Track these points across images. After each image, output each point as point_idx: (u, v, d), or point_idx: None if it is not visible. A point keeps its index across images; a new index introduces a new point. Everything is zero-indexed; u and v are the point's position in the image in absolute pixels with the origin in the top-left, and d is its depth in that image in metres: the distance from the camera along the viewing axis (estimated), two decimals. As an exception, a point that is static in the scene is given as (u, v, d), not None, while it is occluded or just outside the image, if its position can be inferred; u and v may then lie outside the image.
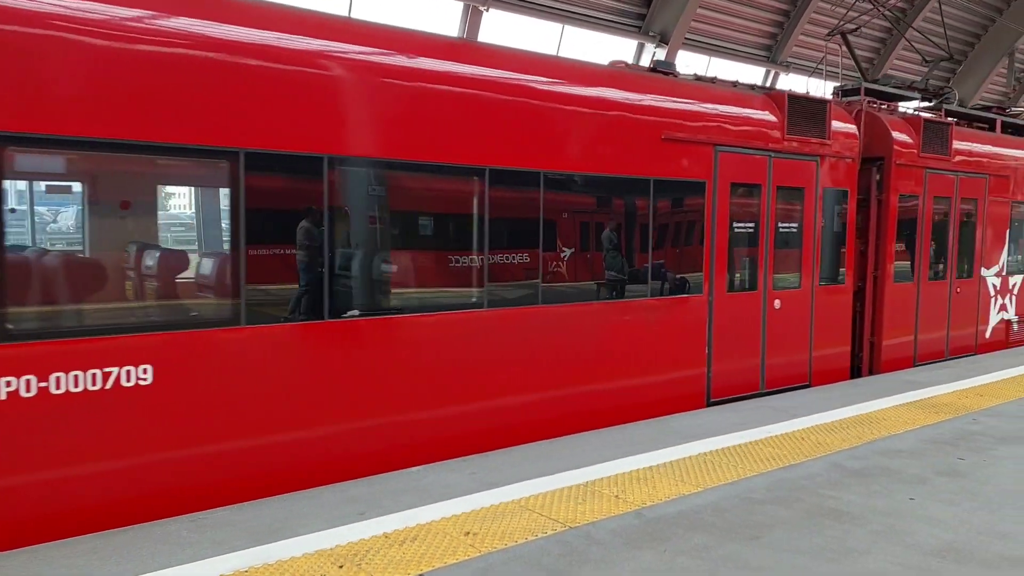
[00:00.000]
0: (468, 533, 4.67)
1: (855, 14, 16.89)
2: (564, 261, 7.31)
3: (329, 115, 5.82)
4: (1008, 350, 12.27)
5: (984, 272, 12.31)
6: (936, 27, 25.74)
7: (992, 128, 13.41)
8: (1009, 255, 12.90)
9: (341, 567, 4.21)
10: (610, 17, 18.84)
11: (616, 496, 5.32)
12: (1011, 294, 13.09)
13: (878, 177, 10.46)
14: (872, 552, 4.53)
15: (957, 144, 11.54)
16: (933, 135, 11.04)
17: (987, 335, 12.60)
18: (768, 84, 21.88)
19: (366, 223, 6.30)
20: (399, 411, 6.26)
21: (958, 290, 11.79)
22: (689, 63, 20.22)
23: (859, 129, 10.18)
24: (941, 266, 11.48)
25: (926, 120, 10.98)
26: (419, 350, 6.39)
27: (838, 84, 11.86)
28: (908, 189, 10.71)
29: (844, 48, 13.41)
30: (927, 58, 16.39)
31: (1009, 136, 13.39)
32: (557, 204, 7.19)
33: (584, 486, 5.50)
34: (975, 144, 12.07)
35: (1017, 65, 28.69)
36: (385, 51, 6.21)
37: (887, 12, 13.95)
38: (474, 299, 6.71)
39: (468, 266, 6.69)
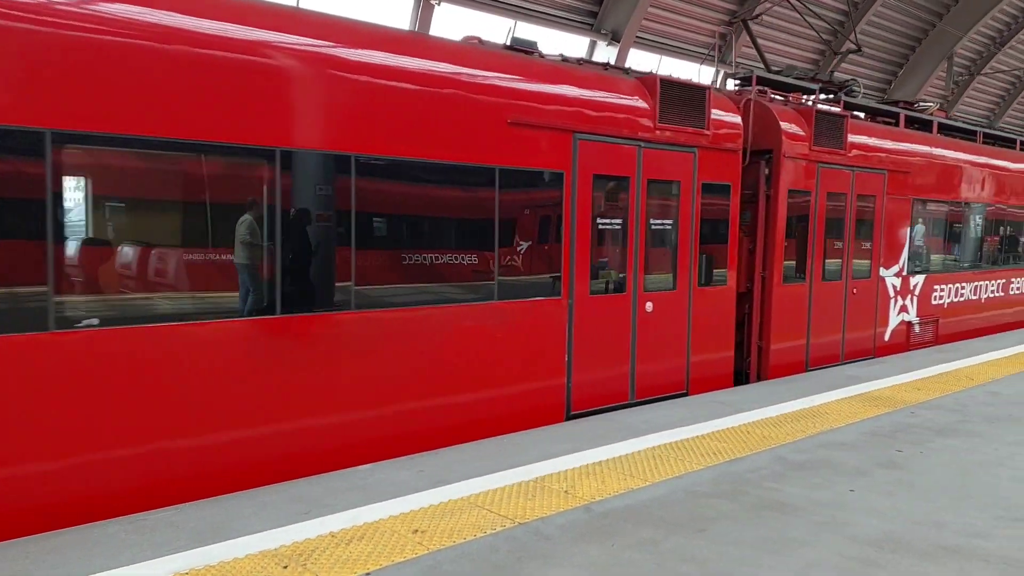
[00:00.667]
0: (416, 531, 4.63)
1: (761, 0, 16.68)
2: (385, 260, 6.37)
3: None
4: (908, 353, 11.72)
5: (883, 272, 11.74)
6: (879, 30, 26.48)
7: (896, 123, 12.99)
8: (910, 255, 12.35)
9: (286, 567, 4.14)
10: (562, 14, 18.91)
11: (565, 491, 5.34)
12: (912, 295, 12.52)
13: (767, 171, 9.89)
14: (813, 543, 4.64)
15: (853, 138, 10.98)
16: (826, 128, 10.44)
17: (886, 338, 12.00)
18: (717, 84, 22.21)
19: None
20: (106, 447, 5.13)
21: (854, 291, 11.19)
22: (641, 62, 20.40)
23: (748, 119, 9.76)
24: (836, 266, 10.90)
25: (819, 111, 10.34)
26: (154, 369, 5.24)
27: (729, 72, 11.57)
28: (799, 184, 10.11)
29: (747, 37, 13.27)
30: (836, 51, 16.32)
31: (913, 131, 12.90)
32: (374, 194, 6.25)
33: (534, 482, 5.51)
34: (873, 138, 11.48)
35: (956, 69, 29.67)
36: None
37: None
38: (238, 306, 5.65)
39: (221, 265, 5.55)
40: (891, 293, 12.01)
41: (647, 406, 7.99)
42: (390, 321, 6.36)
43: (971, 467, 6.16)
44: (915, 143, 12.39)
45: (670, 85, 8.45)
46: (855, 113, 12.50)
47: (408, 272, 6.50)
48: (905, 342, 12.43)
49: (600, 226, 7.96)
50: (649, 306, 8.42)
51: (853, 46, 16.91)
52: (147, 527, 4.64)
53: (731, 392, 8.71)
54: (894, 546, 4.62)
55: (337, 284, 6.11)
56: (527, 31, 18.54)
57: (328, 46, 6.03)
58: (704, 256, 9.04)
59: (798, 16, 23.38)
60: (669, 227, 8.64)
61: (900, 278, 12.18)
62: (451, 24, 17.62)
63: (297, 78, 5.80)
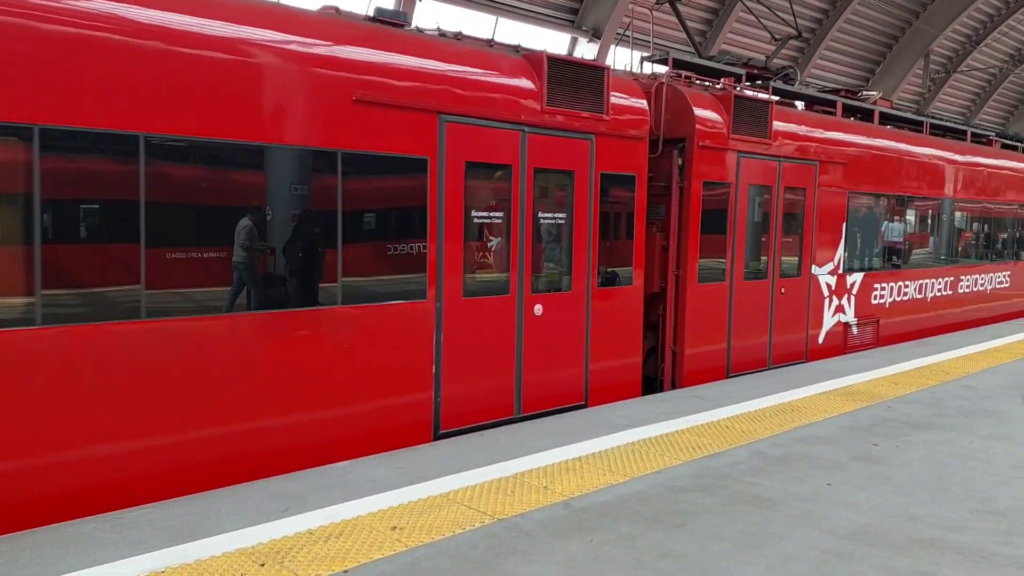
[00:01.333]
0: (395, 528, 4.61)
1: None
2: (190, 258, 5.39)
3: None
4: (846, 356, 10.98)
5: (816, 270, 10.94)
6: (857, 28, 26.71)
7: (835, 112, 12.19)
8: (847, 251, 11.56)
9: (263, 565, 4.10)
10: (543, 10, 18.88)
11: (544, 487, 5.34)
12: (850, 294, 11.70)
13: (680, 161, 9.07)
14: (791, 537, 4.67)
15: (780, 126, 10.18)
16: (748, 115, 9.64)
17: (821, 340, 11.21)
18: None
19: None
20: None
21: (783, 290, 10.40)
22: (621, 60, 20.43)
23: (659, 105, 9.05)
24: (761, 264, 10.11)
25: (738, 97, 9.50)
26: None
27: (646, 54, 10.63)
28: (716, 175, 9.33)
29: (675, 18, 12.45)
30: (776, 36, 15.60)
31: (850, 121, 12.06)
32: (174, 181, 5.32)
33: (513, 478, 5.51)
34: (804, 127, 10.66)
35: (932, 67, 30.00)
36: None
37: None
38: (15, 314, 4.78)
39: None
40: (825, 292, 11.22)
41: (597, 407, 7.76)
42: (190, 332, 5.41)
43: (946, 460, 6.24)
44: (852, 133, 11.62)
45: (561, 64, 7.62)
46: (790, 101, 11.82)
47: (212, 273, 5.56)
48: (842, 344, 11.66)
49: (476, 220, 7.09)
50: (538, 309, 7.57)
51: (792, 31, 16.44)
52: (123, 525, 4.58)
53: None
54: (870, 539, 4.67)
55: (173, 292, 5.32)
56: (509, 28, 18.52)
57: (108, 6, 5.10)
58: (606, 254, 8.28)
59: (766, 11, 23.53)
60: (562, 222, 7.80)
61: (835, 276, 11.38)
62: (434, 21, 17.54)
63: (68, 41, 4.88)
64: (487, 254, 7.28)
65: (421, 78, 6.61)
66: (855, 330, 11.86)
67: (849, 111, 12.68)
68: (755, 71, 11.32)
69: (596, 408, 7.67)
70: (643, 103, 8.49)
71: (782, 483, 5.59)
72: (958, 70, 31.74)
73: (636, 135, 8.37)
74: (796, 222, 10.66)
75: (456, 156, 6.87)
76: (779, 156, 10.18)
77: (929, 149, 13.49)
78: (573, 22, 19.58)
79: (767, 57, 12.83)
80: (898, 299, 12.94)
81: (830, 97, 12.24)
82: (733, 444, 6.49)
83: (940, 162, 13.75)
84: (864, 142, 11.83)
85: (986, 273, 15.64)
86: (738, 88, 10.60)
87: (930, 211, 13.72)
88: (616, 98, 8.17)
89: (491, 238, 7.29)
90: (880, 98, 13.54)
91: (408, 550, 4.33)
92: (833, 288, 11.39)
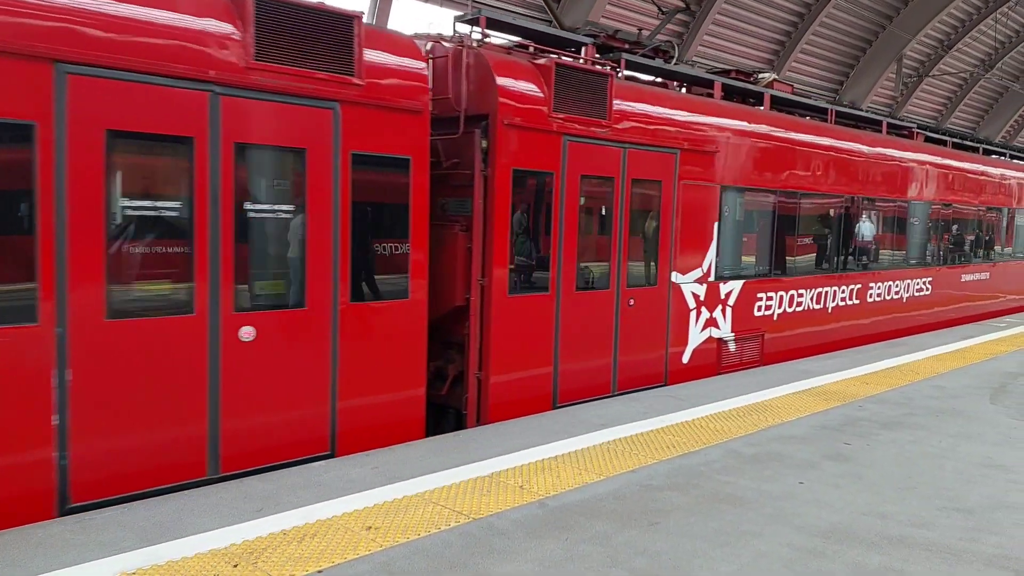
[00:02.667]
0: (370, 528, 4.60)
1: None
2: None
3: None
4: (722, 376, 9.47)
5: (679, 278, 9.25)
6: (831, 31, 27.03)
7: (715, 95, 10.62)
8: (721, 256, 9.87)
9: (236, 566, 4.07)
10: (520, 10, 18.89)
11: (520, 486, 5.35)
12: (725, 305, 9.99)
13: (484, 144, 7.33)
14: (764, 535, 4.72)
15: (625, 105, 8.46)
16: (577, 89, 7.94)
17: (685, 359, 9.51)
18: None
19: None
20: None
21: (631, 302, 8.69)
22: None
23: (457, 73, 7.49)
24: (601, 271, 8.47)
25: (561, 67, 7.79)
26: None
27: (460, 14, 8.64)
28: (532, 162, 7.64)
29: None
30: (663, 8, 14.25)
31: (730, 104, 10.39)
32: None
33: (489, 477, 5.51)
34: (659, 107, 8.92)
35: (905, 71, 30.46)
36: None
37: None
38: None
39: None
40: (691, 304, 9.48)
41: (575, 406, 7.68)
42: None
43: (916, 459, 6.34)
44: (728, 118, 9.88)
45: (280, 7, 5.84)
46: (664, 81, 10.27)
47: None
48: (715, 363, 9.94)
49: (130, 212, 5.28)
50: (247, 333, 5.75)
51: (680, 3, 15.88)
52: (93, 526, 4.52)
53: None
54: (841, 537, 4.73)
55: None
56: (487, 25, 18.49)
57: None
58: (367, 258, 6.51)
59: (750, 15, 23.75)
60: (287, 216, 6.01)
61: (705, 285, 9.64)
62: (411, 17, 17.49)
63: None
64: (154, 258, 5.39)
65: (23, 9, 4.75)
66: (732, 346, 10.15)
67: (737, 95, 11.09)
68: (615, 43, 9.53)
69: (571, 407, 7.67)
70: (420, 66, 6.77)
71: (755, 482, 5.65)
72: (930, 74, 32.25)
73: (410, 106, 6.62)
74: (649, 221, 8.96)
75: (87, 121, 5.00)
76: (624, 141, 8.40)
77: (833, 140, 11.76)
78: (550, 23, 19.63)
79: (639, 30, 10.95)
80: (789, 310, 11.13)
81: (709, 77, 10.67)
82: (707, 443, 6.55)
83: (847, 155, 12.00)
84: (744, 128, 10.07)
85: (902, 280, 13.83)
86: (613, 68, 8.87)
87: (832, 210, 12.04)
88: (376, 57, 6.42)
89: (156, 236, 5.36)
90: (777, 81, 11.90)
91: (383, 550, 4.31)
92: (702, 299, 9.64)
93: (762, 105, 11.14)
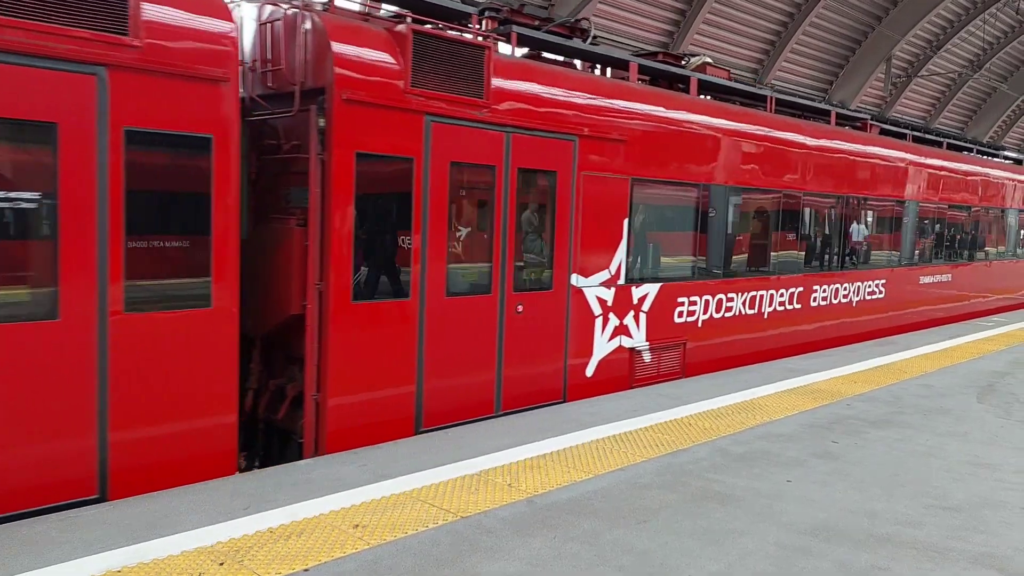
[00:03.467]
0: (357, 526, 4.58)
1: None
2: None
3: None
4: (638, 390, 8.43)
5: (581, 281, 8.21)
6: (820, 31, 27.14)
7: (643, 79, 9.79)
8: (635, 256, 8.92)
9: (222, 564, 4.04)
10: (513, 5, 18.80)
11: (509, 484, 5.34)
12: (638, 311, 8.94)
13: (322, 123, 6.33)
14: (751, 533, 4.73)
15: (507, 84, 7.36)
16: (443, 62, 6.87)
17: (590, 372, 8.44)
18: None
19: None
20: None
21: (520, 308, 7.62)
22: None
23: (292, 39, 6.51)
24: (480, 273, 7.42)
25: (420, 34, 6.72)
26: None
27: None
28: (383, 145, 6.58)
29: None
30: None
31: (645, 87, 9.37)
32: None
33: (477, 475, 5.50)
34: (554, 88, 7.81)
35: (894, 71, 30.60)
36: None
37: None
38: None
39: None
40: (596, 310, 8.44)
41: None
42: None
43: (904, 457, 6.37)
44: (641, 102, 8.81)
45: None
46: (569, 61, 9.17)
47: None
48: (626, 375, 8.90)
49: None
50: None
51: None
52: (78, 525, 4.49)
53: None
54: (828, 535, 4.74)
55: None
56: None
57: None
58: (151, 259, 5.45)
59: (740, 15, 23.80)
60: (31, 206, 4.98)
61: (613, 289, 8.60)
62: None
63: None
64: None
65: None
66: (647, 357, 9.13)
67: (660, 78, 10.07)
68: (521, 18, 8.55)
69: (565, 404, 7.67)
70: (226, 27, 5.67)
71: (744, 480, 5.66)
72: (919, 75, 32.42)
73: (211, 74, 5.56)
74: (541, 217, 7.91)
75: None
76: (507, 125, 7.35)
77: (770, 129, 10.72)
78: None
79: (550, 4, 9.73)
80: (717, 316, 10.10)
81: (621, 57, 9.54)
82: (696, 441, 6.56)
83: (786, 146, 10.95)
84: (661, 115, 9.00)
85: (851, 282, 12.80)
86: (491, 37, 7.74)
87: (770, 207, 10.95)
88: (161, 14, 5.36)
89: None
90: (711, 66, 10.81)
91: (370, 548, 4.29)
92: (610, 304, 8.58)
93: (694, 91, 10.11)
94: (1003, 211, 17.96)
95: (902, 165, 13.83)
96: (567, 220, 8.07)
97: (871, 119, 14.07)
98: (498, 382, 7.57)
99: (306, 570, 4.02)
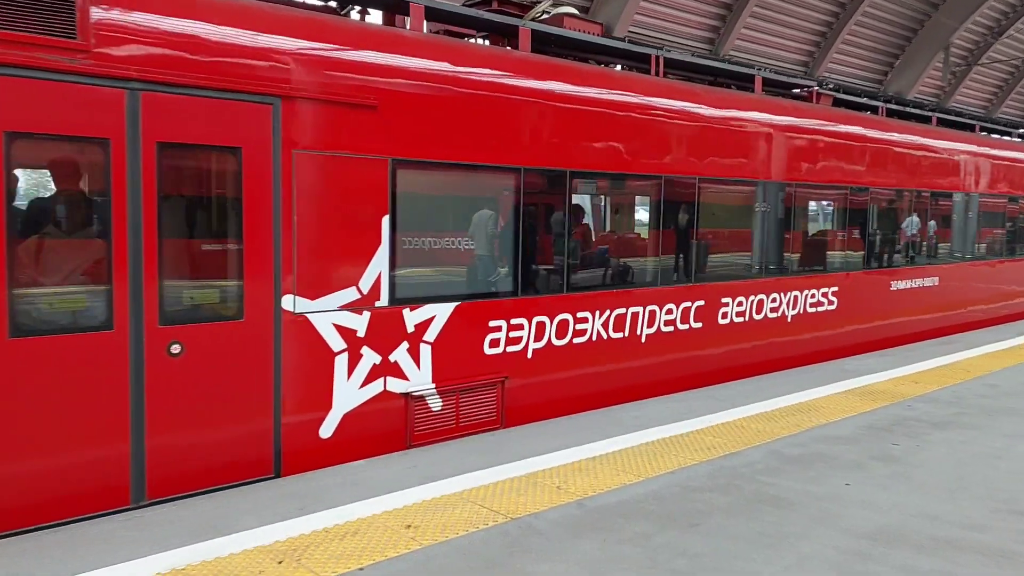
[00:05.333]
0: (409, 526, 4.63)
1: None
2: None
3: None
4: (414, 451, 6.27)
5: (304, 305, 5.92)
6: (874, 21, 26.47)
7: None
8: (409, 268, 6.60)
9: (280, 563, 4.14)
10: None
11: (558, 487, 5.34)
12: (417, 342, 6.60)
13: None
14: (808, 536, 4.64)
15: (127, 16, 5.15)
16: None
17: (327, 431, 6.14)
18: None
19: None
20: None
21: (175, 349, 5.37)
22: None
23: None
24: (86, 297, 5.12)
25: None
26: None
27: None
28: None
29: None
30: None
31: (412, 34, 6.76)
32: None
33: (526, 477, 5.51)
34: (222, 28, 5.52)
35: (953, 59, 29.64)
36: None
37: None
38: None
39: None
40: (336, 344, 6.15)
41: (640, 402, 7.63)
42: None
43: (968, 460, 6.17)
44: (413, 55, 6.48)
45: None
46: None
47: None
48: (398, 430, 6.55)
49: None
50: None
51: None
52: (144, 523, 4.65)
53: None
54: (889, 539, 4.62)
55: None
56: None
57: None
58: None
59: (789, 7, 23.36)
60: None
61: (367, 313, 6.29)
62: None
63: None
64: None
65: None
66: (436, 404, 6.76)
67: (485, 31, 7.91)
68: None
69: (608, 408, 7.63)
70: None
71: (799, 483, 5.56)
72: (979, 63, 31.34)
73: None
74: (212, 214, 5.74)
75: None
76: (130, 78, 5.12)
77: (648, 97, 8.27)
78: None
79: None
80: (560, 342, 7.62)
81: None
82: (749, 444, 6.46)
83: (671, 118, 8.45)
84: (449, 74, 6.67)
85: (783, 291, 10.08)
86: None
87: (650, 197, 8.54)
88: None
89: None
90: (572, 17, 8.42)
91: (422, 548, 4.34)
92: (362, 334, 6.29)
93: (526, 46, 7.68)
94: None
95: (870, 144, 11.28)
96: (268, 218, 5.72)
97: (817, 88, 11.24)
98: (136, 458, 5.26)
99: (361, 569, 4.09)
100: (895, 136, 11.80)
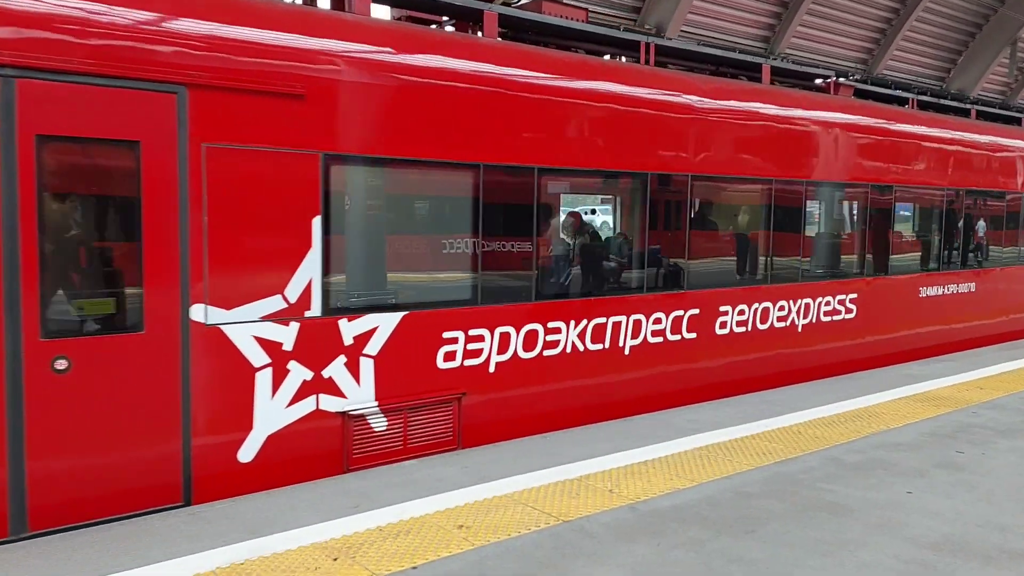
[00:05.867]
0: (461, 526, 4.66)
1: None
2: None
3: None
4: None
5: (219, 316, 5.36)
6: (936, 16, 25.70)
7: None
8: (347, 273, 6.06)
9: (335, 560, 4.21)
10: (603, 9, 18.74)
11: (610, 490, 5.31)
12: (356, 355, 5.98)
13: None
14: (868, 545, 4.52)
15: None
16: None
17: (248, 454, 5.56)
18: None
19: None
20: None
21: (63, 364, 4.85)
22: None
23: None
24: None
25: None
26: None
27: None
28: None
29: None
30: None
31: (350, 16, 6.20)
32: None
33: (577, 480, 5.49)
34: (113, 8, 4.95)
35: (1020, 55, 28.56)
36: None
37: None
38: None
39: None
40: (257, 358, 5.53)
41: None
42: None
43: (1037, 469, 5.93)
44: (347, 39, 5.90)
45: None
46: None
47: None
48: (334, 452, 5.95)
49: None
50: None
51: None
52: (204, 519, 4.77)
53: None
54: (954, 549, 4.47)
55: None
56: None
57: None
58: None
59: (846, 3, 22.83)
60: None
61: (296, 323, 5.68)
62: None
63: None
64: None
65: None
66: (379, 424, 6.14)
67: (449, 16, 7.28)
68: None
69: (661, 412, 7.54)
70: None
71: (859, 490, 5.41)
72: (1049, 58, 30.10)
73: None
74: (107, 215, 5.25)
75: None
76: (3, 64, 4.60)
77: (611, 84, 7.43)
78: (635, 21, 19.42)
79: None
80: (527, 355, 6.90)
81: None
82: (806, 450, 6.32)
83: (636, 107, 7.54)
84: (389, 59, 6.06)
85: (792, 298, 9.16)
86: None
87: (635, 195, 7.80)
88: None
89: None
90: (550, 2, 7.79)
91: (474, 549, 4.37)
92: (289, 348, 5.66)
93: (495, 32, 7.05)
94: None
95: (880, 137, 10.20)
96: (172, 220, 5.14)
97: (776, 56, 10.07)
98: (15, 486, 4.74)
99: (414, 567, 4.13)
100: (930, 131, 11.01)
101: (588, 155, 7.28)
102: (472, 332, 6.57)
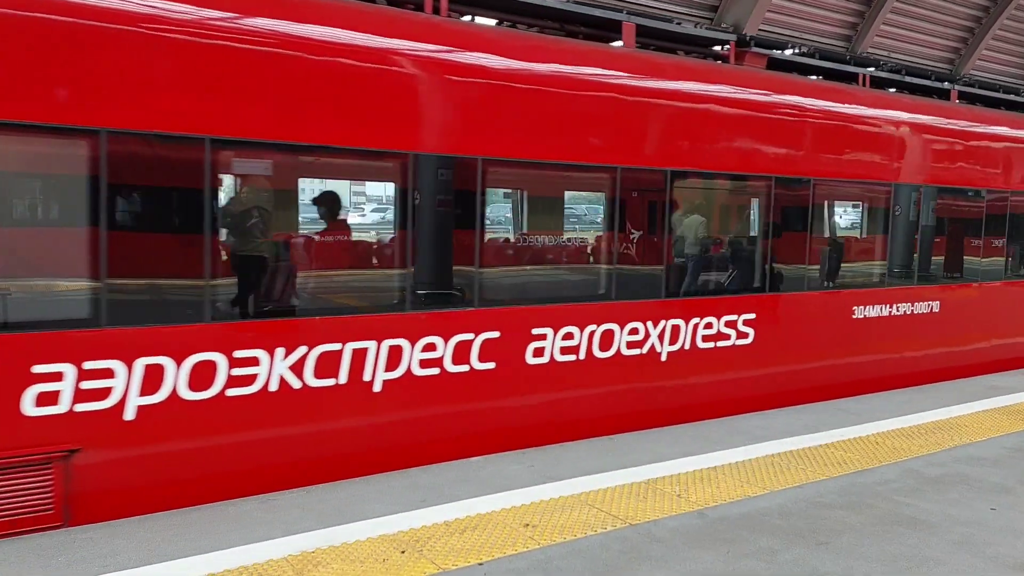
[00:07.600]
0: (527, 525, 4.68)
1: None
2: None
3: None
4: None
5: None
6: (1031, 15, 24.47)
7: None
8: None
9: (403, 552, 4.28)
10: (681, 9, 18.51)
11: (678, 495, 5.25)
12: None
13: None
14: (949, 563, 4.35)
15: None
16: None
17: None
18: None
19: None
20: None
21: None
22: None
23: None
24: None
25: None
26: None
27: None
28: None
29: None
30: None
31: None
32: None
33: (645, 483, 5.44)
34: None
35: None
36: None
37: None
38: None
39: None
40: None
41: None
42: None
43: None
44: None
45: None
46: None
47: None
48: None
49: None
50: None
51: None
52: (278, 507, 4.92)
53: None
54: (1042, 572, 4.27)
55: None
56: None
57: None
58: None
59: (932, 1, 21.95)
60: None
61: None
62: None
63: None
64: None
65: None
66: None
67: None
68: None
69: (732, 418, 7.40)
70: None
71: (939, 505, 5.21)
72: None
73: None
74: None
75: None
76: None
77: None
78: (712, 20, 19.10)
79: None
80: (200, 395, 5.07)
81: None
82: (883, 461, 6.11)
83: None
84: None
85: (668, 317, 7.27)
86: None
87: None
88: None
89: None
90: None
91: (540, 548, 4.38)
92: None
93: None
94: None
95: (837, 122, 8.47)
96: None
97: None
98: None
99: (480, 564, 4.17)
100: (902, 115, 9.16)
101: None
102: (89, 365, 4.66)
